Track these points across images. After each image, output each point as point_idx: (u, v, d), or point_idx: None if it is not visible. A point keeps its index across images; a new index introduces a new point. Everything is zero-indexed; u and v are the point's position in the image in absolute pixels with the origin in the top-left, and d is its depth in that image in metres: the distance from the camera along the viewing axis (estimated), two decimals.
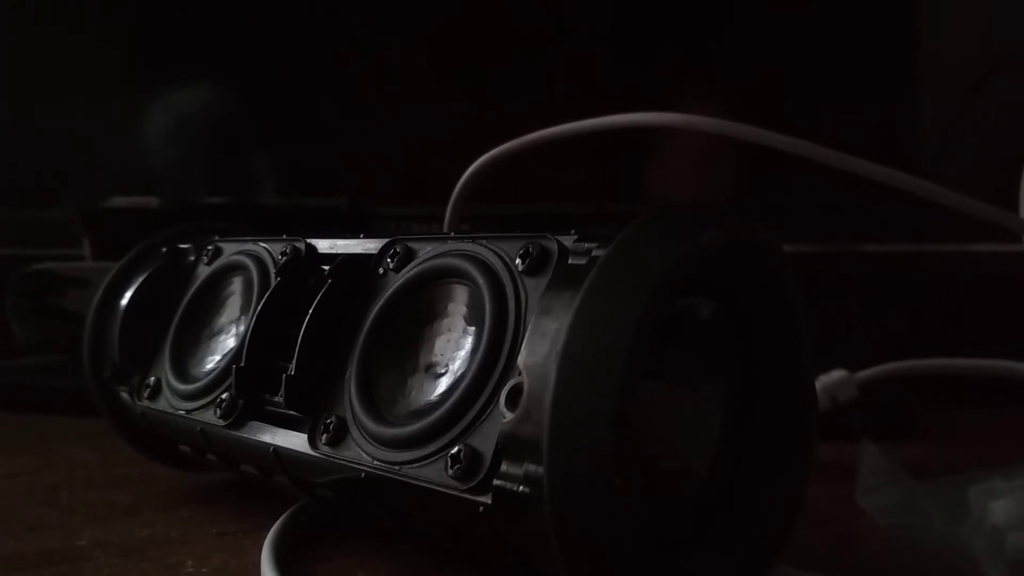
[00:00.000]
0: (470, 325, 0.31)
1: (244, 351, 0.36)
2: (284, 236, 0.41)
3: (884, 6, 0.78)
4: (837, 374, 0.54)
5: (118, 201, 0.66)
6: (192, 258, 0.45)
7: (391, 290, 0.33)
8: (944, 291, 0.69)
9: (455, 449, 0.27)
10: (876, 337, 0.68)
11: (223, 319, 0.42)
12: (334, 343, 0.34)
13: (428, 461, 0.28)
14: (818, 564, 0.32)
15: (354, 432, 0.31)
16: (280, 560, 0.34)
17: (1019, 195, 0.46)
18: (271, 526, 0.37)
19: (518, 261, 0.29)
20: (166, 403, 0.41)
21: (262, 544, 0.35)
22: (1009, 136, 0.68)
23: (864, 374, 0.55)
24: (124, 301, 0.45)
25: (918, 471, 0.40)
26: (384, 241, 0.35)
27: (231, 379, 0.37)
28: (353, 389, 0.32)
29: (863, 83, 0.77)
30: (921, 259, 0.71)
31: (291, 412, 0.34)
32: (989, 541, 0.34)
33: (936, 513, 0.37)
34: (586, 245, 0.28)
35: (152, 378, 0.42)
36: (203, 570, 0.35)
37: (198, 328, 0.42)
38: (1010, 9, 0.74)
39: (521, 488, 0.25)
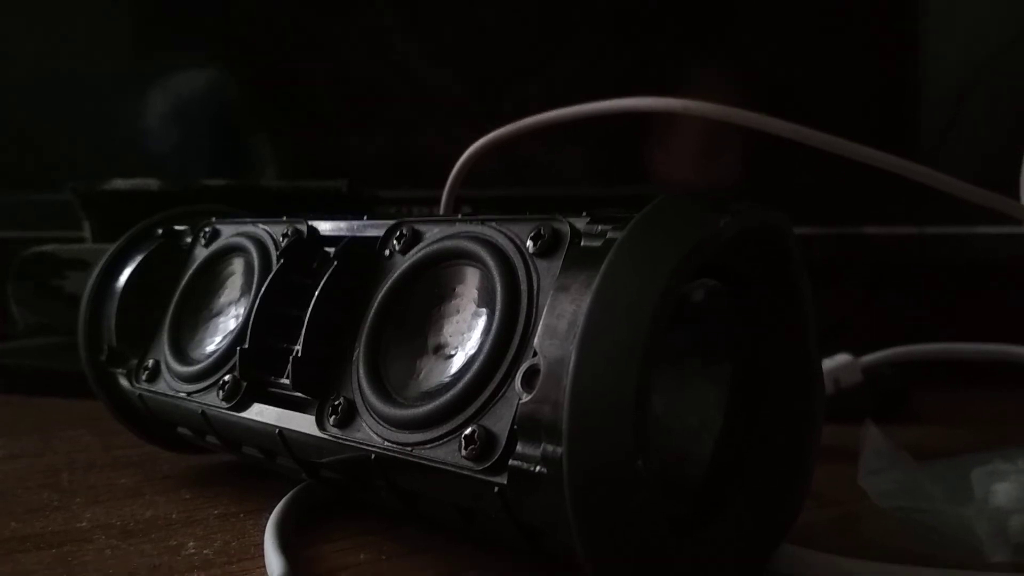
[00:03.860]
0: (481, 307, 0.30)
1: (248, 332, 0.36)
2: (284, 218, 0.40)
3: None
4: (841, 358, 0.55)
5: (118, 183, 0.65)
6: (189, 240, 0.45)
7: (399, 272, 0.33)
8: (948, 274, 0.69)
9: (469, 430, 0.27)
10: (879, 320, 0.68)
11: (223, 301, 0.42)
12: (341, 325, 0.34)
13: (441, 442, 0.28)
14: (821, 546, 0.32)
15: (363, 414, 0.31)
16: (283, 541, 0.34)
17: (1020, 180, 0.46)
18: (272, 507, 0.37)
19: (529, 243, 0.29)
20: (165, 385, 0.41)
21: (264, 525, 0.35)
22: (1011, 120, 0.68)
23: (868, 358, 0.55)
24: (120, 283, 0.45)
25: (921, 454, 0.40)
26: (390, 223, 0.35)
27: (235, 360, 0.36)
28: (361, 370, 0.32)
29: (864, 67, 0.77)
30: (924, 242, 0.71)
31: (297, 394, 0.34)
32: (992, 523, 0.34)
33: (939, 495, 0.37)
34: (599, 227, 0.28)
35: (150, 360, 0.42)
36: (205, 552, 0.35)
37: (197, 310, 0.42)
38: None
39: (538, 468, 0.25)
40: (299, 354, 0.33)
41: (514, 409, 0.26)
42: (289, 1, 0.84)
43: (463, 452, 0.27)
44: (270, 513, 0.36)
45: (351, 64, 0.84)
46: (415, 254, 0.33)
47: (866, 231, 0.72)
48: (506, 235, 0.30)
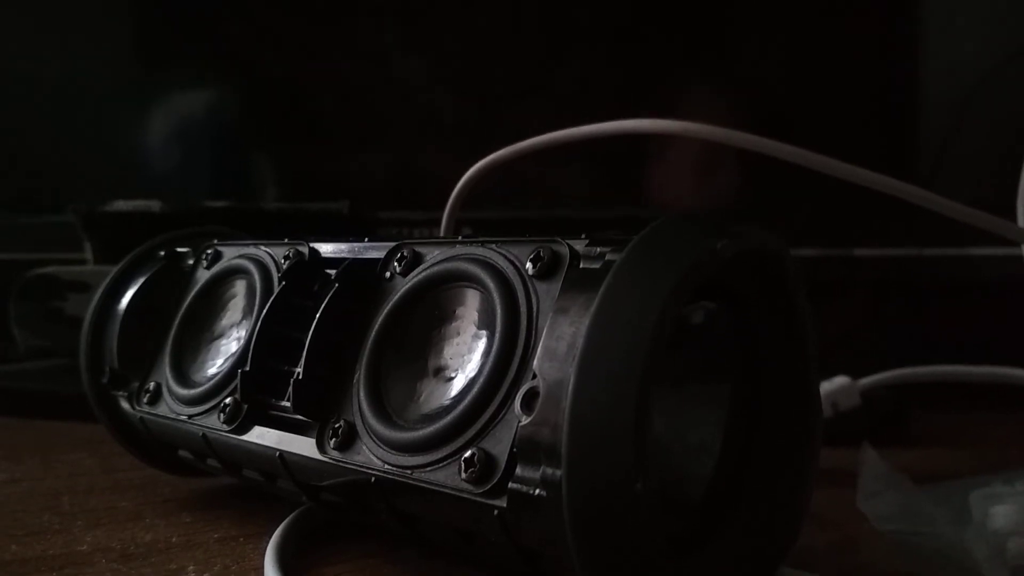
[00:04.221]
0: (481, 329, 0.31)
1: (249, 355, 0.36)
2: (286, 240, 0.40)
3: (882, 10, 0.79)
4: (840, 380, 0.55)
5: (120, 205, 0.65)
6: (191, 262, 0.45)
7: (399, 294, 0.33)
8: (947, 295, 0.69)
9: (468, 453, 0.27)
10: (877, 343, 0.68)
11: (224, 323, 0.42)
12: (341, 347, 0.34)
13: (441, 465, 0.28)
14: (819, 569, 0.32)
15: (363, 436, 0.31)
16: (283, 565, 0.34)
17: (1017, 201, 0.46)
18: (272, 531, 0.37)
19: (528, 265, 0.29)
20: (167, 408, 0.41)
21: (264, 549, 0.35)
22: (1007, 141, 0.68)
23: (866, 381, 0.55)
24: (121, 306, 0.45)
25: (919, 476, 0.40)
26: (391, 245, 0.35)
27: (236, 383, 0.37)
28: (362, 393, 0.32)
29: (861, 88, 0.78)
30: (923, 263, 0.71)
31: (297, 416, 0.34)
32: (990, 546, 0.34)
33: (937, 518, 0.37)
34: (598, 249, 0.28)
35: (151, 383, 0.42)
36: (204, 575, 0.35)
37: (198, 332, 0.42)
38: (1008, 13, 0.75)
39: (537, 491, 0.25)
40: (300, 377, 0.33)
41: (514, 432, 0.27)
42: (291, 23, 0.85)
43: (463, 475, 0.27)
44: (270, 536, 0.36)
45: (352, 86, 0.84)
46: (416, 276, 0.33)
47: (864, 252, 0.72)
48: (506, 257, 0.31)
